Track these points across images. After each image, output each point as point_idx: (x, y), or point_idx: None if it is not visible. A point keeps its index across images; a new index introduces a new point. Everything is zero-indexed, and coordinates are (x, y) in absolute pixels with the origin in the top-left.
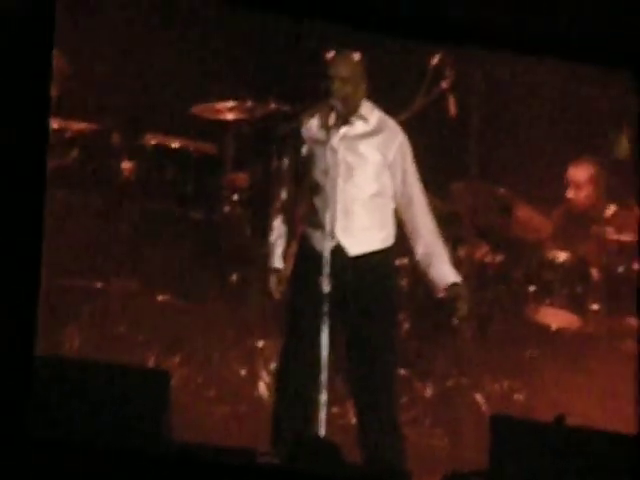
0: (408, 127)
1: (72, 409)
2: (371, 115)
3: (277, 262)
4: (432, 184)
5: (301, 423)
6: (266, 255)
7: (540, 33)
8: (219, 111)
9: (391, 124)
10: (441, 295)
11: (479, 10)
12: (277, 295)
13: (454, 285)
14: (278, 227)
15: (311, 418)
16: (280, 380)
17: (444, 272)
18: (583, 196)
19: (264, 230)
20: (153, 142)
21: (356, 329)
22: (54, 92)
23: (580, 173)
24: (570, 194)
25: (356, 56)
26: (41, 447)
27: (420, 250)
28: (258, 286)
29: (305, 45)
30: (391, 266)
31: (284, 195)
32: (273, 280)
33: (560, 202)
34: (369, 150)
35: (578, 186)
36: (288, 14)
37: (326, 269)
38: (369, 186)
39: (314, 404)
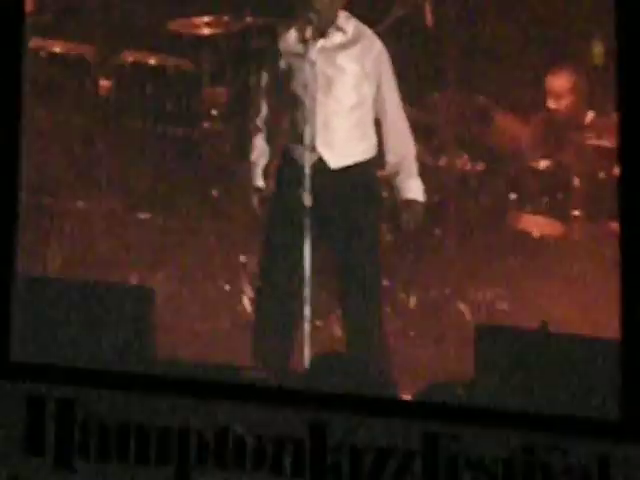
0: (385, 38)
1: (55, 329)
2: (348, 25)
3: (259, 180)
4: (410, 95)
5: (283, 337)
6: (248, 173)
7: None
8: (196, 26)
9: (368, 33)
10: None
11: None
12: (260, 213)
13: (410, 201)
14: (259, 145)
15: (292, 332)
16: (261, 295)
17: (407, 185)
18: (563, 105)
19: (244, 145)
20: (130, 59)
21: (339, 242)
22: (29, 8)
23: (559, 82)
24: (550, 103)
25: None
26: (23, 370)
27: (390, 159)
28: (240, 201)
29: None
30: (372, 177)
31: (264, 111)
32: (255, 199)
33: (539, 110)
34: (347, 61)
35: (558, 95)
36: None
37: (307, 183)
38: (348, 98)
39: (296, 318)
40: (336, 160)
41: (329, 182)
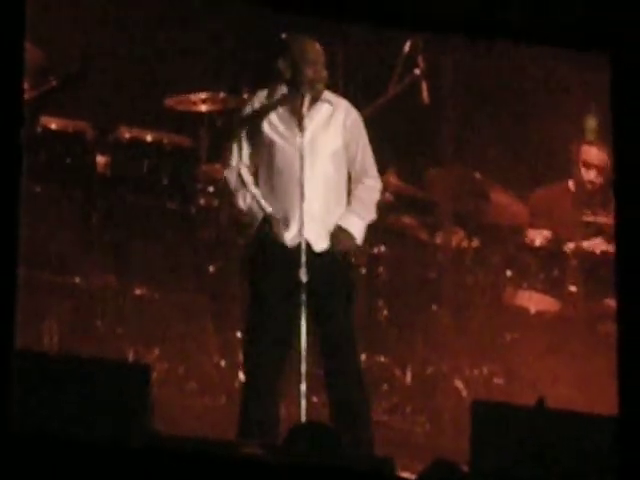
0: (382, 115)
1: (52, 404)
2: (331, 97)
3: (261, 211)
4: (407, 171)
5: (272, 414)
6: (253, 209)
7: (511, 18)
8: (192, 103)
9: (344, 103)
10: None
11: None
12: (278, 239)
13: (342, 229)
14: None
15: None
16: (250, 371)
17: (350, 219)
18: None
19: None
20: (127, 136)
21: (320, 322)
22: (27, 86)
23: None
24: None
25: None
26: (22, 442)
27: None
28: (236, 277)
29: (277, 35)
30: (349, 261)
31: (243, 171)
32: (267, 227)
33: (536, 186)
34: (331, 133)
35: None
36: (259, 7)
37: (303, 258)
38: (330, 172)
39: (283, 396)
40: (320, 243)
41: (313, 263)
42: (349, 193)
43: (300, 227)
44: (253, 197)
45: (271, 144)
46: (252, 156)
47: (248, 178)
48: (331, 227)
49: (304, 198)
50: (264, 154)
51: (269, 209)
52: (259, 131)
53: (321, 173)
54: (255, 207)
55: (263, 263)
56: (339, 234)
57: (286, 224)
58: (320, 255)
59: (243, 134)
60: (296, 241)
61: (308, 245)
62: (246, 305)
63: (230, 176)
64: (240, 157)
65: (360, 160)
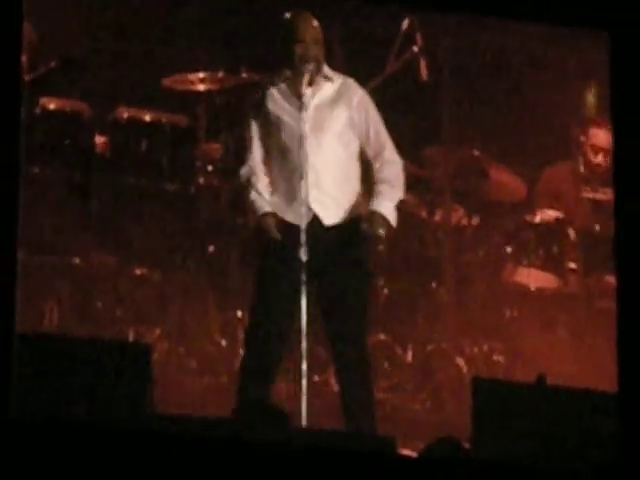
0: (381, 92)
1: (53, 386)
2: (333, 74)
3: (266, 207)
4: (406, 149)
5: (269, 393)
6: (252, 203)
7: None
8: (191, 82)
9: (349, 82)
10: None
11: None
12: (277, 236)
13: (376, 213)
14: (260, 179)
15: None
16: (249, 348)
17: (381, 202)
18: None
19: (239, 200)
20: (125, 115)
21: (330, 299)
22: (25, 67)
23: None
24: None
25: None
26: (23, 425)
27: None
28: (236, 256)
29: (275, 13)
30: (361, 236)
31: (257, 158)
32: (270, 222)
33: (536, 163)
34: (337, 112)
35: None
36: None
37: (303, 237)
38: (338, 150)
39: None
40: (329, 218)
41: (322, 239)
42: (368, 171)
43: (305, 206)
44: (257, 193)
45: (278, 123)
46: (260, 143)
47: (256, 173)
48: (343, 203)
49: (306, 176)
50: (272, 135)
51: (266, 208)
52: (267, 113)
53: (329, 150)
54: (257, 204)
55: (267, 243)
56: (373, 218)
57: (292, 203)
58: (331, 229)
59: (251, 125)
60: (301, 220)
61: (318, 220)
62: (250, 284)
63: (241, 172)
64: (249, 151)
65: (374, 136)
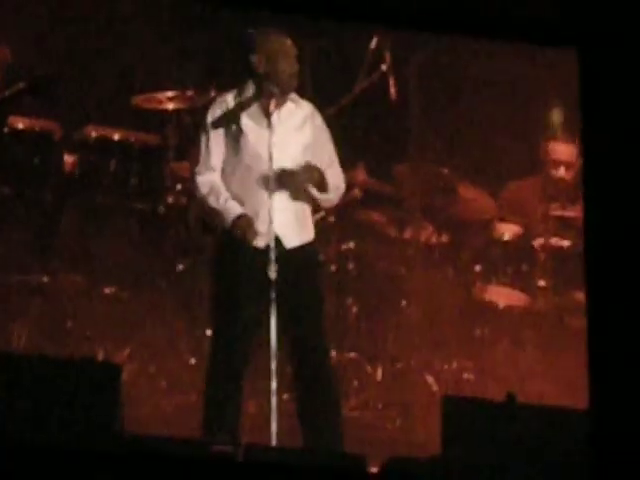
0: (350, 110)
1: (21, 405)
2: (298, 98)
3: (237, 209)
4: (375, 167)
5: (235, 413)
6: (225, 205)
7: (477, 14)
8: (160, 101)
9: (310, 107)
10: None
11: None
12: (253, 238)
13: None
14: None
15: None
16: (214, 368)
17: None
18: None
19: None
20: (94, 134)
21: (290, 318)
22: None
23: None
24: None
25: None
26: None
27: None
28: (205, 275)
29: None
30: (318, 259)
31: (219, 170)
32: (243, 225)
33: (503, 181)
34: (302, 134)
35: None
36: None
37: (272, 255)
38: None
39: (243, 394)
40: (290, 240)
41: (282, 260)
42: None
43: (269, 225)
44: (226, 199)
45: (240, 141)
46: (223, 156)
47: (219, 183)
48: (303, 224)
49: (272, 196)
50: (234, 152)
51: (241, 209)
52: (229, 130)
53: (288, 173)
54: (230, 207)
55: (231, 262)
56: (311, 169)
57: (256, 223)
58: (290, 252)
59: (213, 136)
60: (266, 239)
61: (279, 241)
62: (213, 304)
63: (201, 182)
64: (211, 162)
65: (327, 162)
